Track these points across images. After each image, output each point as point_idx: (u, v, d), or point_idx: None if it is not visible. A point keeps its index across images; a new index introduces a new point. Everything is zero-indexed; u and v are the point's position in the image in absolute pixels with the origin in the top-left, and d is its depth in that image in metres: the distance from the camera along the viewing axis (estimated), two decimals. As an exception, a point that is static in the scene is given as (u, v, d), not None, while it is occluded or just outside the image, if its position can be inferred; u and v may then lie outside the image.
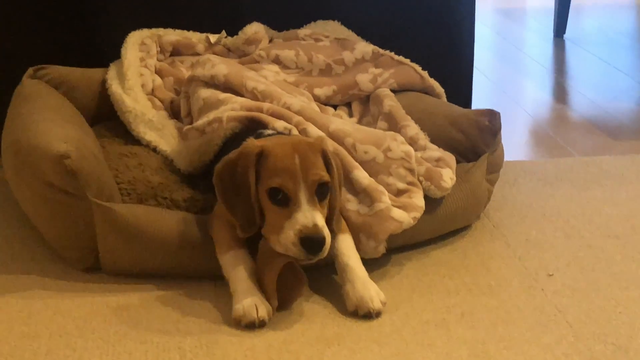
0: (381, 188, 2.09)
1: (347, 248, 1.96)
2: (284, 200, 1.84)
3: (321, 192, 1.86)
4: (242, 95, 2.37)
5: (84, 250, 2.04)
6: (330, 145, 2.01)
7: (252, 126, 2.18)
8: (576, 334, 1.82)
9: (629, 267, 2.10)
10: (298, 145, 1.87)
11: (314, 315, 1.88)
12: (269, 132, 2.09)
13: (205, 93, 2.38)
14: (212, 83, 2.42)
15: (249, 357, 1.72)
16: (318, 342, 1.78)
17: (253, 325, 1.80)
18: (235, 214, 1.89)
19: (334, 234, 1.94)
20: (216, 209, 2.02)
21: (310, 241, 1.80)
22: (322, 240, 1.80)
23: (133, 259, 2.01)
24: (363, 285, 1.89)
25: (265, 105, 2.28)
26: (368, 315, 1.86)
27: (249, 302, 1.81)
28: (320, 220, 1.82)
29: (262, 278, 1.87)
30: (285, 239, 1.82)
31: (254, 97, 2.36)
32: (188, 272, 2.02)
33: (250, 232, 1.88)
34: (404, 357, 1.73)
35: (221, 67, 2.43)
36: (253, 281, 1.86)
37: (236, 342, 1.77)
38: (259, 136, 2.04)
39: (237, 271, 1.88)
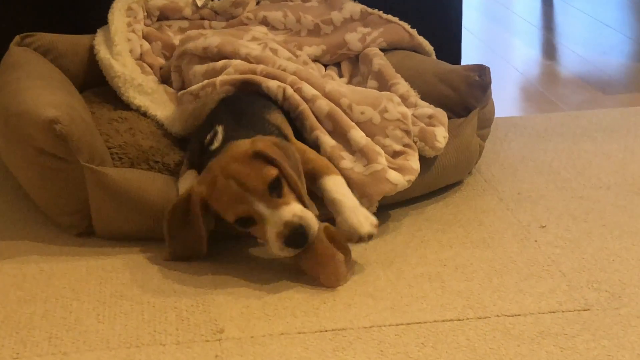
0: (378, 149, 2.09)
1: (333, 184, 1.95)
2: (251, 220, 1.84)
3: (275, 188, 1.82)
4: None
5: (77, 215, 2.05)
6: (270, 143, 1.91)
7: (246, 88, 2.18)
8: (570, 283, 1.83)
9: (620, 217, 2.11)
10: (228, 170, 1.82)
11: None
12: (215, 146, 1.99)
13: (202, 68, 2.36)
14: (204, 56, 2.40)
15: (245, 314, 1.73)
16: (313, 298, 1.79)
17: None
18: (171, 244, 1.93)
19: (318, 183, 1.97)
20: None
21: (292, 239, 1.79)
22: (302, 229, 1.79)
23: (126, 222, 2.01)
24: (351, 213, 1.89)
25: (259, 67, 2.27)
26: (361, 239, 1.87)
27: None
28: (288, 212, 1.80)
29: (315, 254, 1.83)
30: (273, 249, 1.82)
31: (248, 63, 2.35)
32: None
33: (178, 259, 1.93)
34: (399, 310, 1.74)
35: (214, 38, 2.41)
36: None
37: (232, 300, 1.78)
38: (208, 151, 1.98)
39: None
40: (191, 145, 2.12)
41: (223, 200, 1.83)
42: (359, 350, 1.62)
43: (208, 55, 2.39)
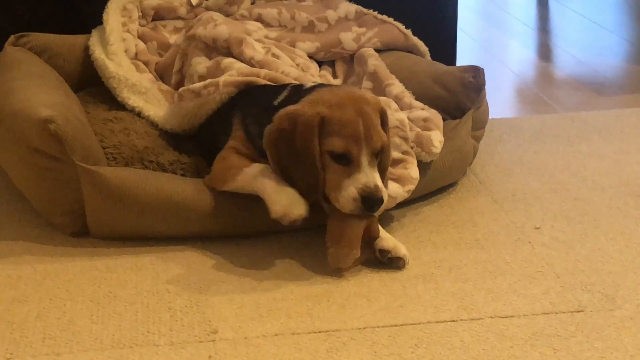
0: None
1: None
2: (346, 160, 1.85)
3: (379, 153, 1.89)
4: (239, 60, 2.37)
5: (71, 215, 2.04)
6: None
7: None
8: (564, 285, 1.83)
9: (614, 219, 2.12)
10: (361, 108, 1.86)
11: (303, 273, 1.89)
12: (310, 84, 2.04)
13: (205, 63, 2.36)
14: (212, 46, 2.40)
15: (239, 315, 1.73)
16: (307, 299, 1.79)
17: (295, 223, 1.87)
18: (294, 181, 1.89)
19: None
20: (229, 143, 2.05)
21: (371, 200, 1.84)
22: (381, 200, 1.84)
23: (120, 222, 2.01)
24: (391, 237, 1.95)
25: (263, 71, 2.26)
26: (400, 258, 1.90)
27: (287, 200, 1.86)
28: (379, 181, 1.86)
29: (344, 228, 1.86)
30: (346, 195, 1.84)
31: (251, 66, 2.34)
32: (175, 234, 2.02)
33: (312, 198, 1.89)
34: (393, 312, 1.74)
35: (223, 28, 2.41)
36: (282, 182, 1.89)
37: (226, 300, 1.78)
38: (298, 92, 1.99)
39: (264, 176, 1.91)
40: (248, 116, 2.07)
41: (345, 129, 1.85)
42: (352, 352, 1.62)
43: (216, 46, 2.39)
